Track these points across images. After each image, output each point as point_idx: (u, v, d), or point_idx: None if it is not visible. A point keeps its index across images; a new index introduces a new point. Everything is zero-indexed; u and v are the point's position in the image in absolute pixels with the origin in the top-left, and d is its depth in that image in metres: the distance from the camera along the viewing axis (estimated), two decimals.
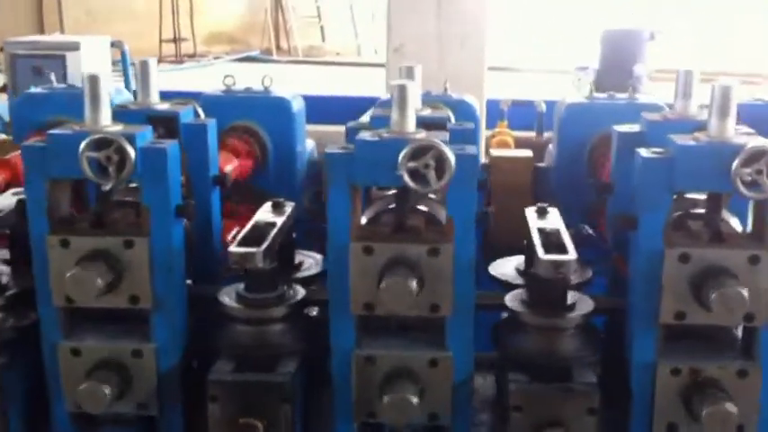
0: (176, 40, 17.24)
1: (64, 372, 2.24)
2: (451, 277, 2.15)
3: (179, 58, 17.30)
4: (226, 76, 3.12)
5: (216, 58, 17.42)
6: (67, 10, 16.21)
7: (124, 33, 9.72)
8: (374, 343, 2.24)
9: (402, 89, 2.15)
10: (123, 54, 7.22)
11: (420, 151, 2.05)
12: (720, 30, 14.05)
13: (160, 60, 14.22)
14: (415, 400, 2.12)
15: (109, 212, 2.26)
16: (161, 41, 16.66)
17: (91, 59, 7.01)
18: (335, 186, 2.14)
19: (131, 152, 2.06)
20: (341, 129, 2.84)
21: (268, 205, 2.47)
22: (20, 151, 2.23)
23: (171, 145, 2.17)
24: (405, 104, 2.15)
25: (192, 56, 17.68)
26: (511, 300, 2.32)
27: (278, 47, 18.35)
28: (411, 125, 2.16)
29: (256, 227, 2.29)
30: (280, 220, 2.36)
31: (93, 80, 2.16)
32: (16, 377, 2.32)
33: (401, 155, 2.05)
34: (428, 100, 2.98)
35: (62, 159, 2.13)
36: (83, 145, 2.08)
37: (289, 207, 2.47)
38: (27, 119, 3.10)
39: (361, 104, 4.39)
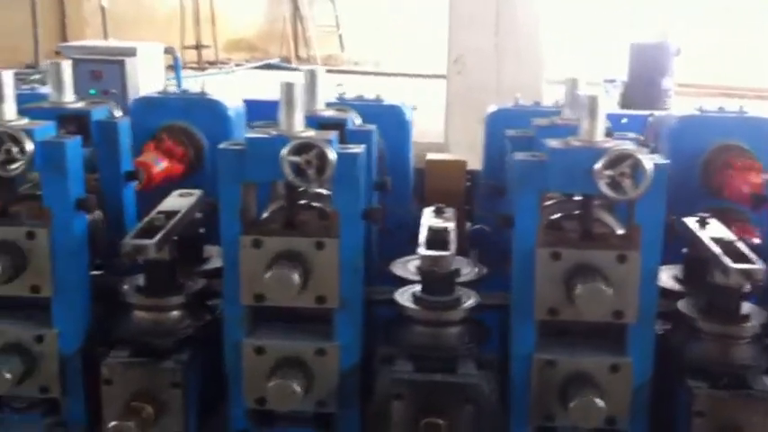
0: (198, 47, 17.46)
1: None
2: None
3: (201, 65, 17.54)
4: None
5: (237, 65, 17.63)
6: (90, 17, 16.49)
7: (146, 40, 9.89)
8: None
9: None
10: (176, 60, 7.27)
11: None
12: (740, 44, 13.92)
13: (183, 67, 14.36)
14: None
15: None
16: (183, 48, 16.78)
17: (146, 65, 7.11)
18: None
19: (332, 157, 2.10)
20: None
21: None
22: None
23: None
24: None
25: (213, 63, 17.90)
26: None
27: (297, 55, 18.49)
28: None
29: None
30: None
31: (289, 87, 2.20)
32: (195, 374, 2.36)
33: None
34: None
35: (260, 163, 2.17)
36: (285, 149, 2.11)
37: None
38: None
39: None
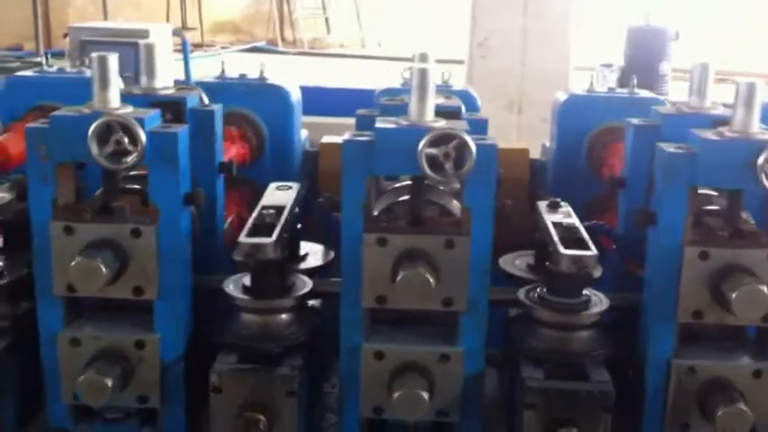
0: (184, 29, 17.08)
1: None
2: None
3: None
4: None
5: (223, 48, 17.26)
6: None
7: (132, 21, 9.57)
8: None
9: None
10: (184, 43, 6.97)
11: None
12: (734, 29, 13.90)
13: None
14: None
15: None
16: None
17: (158, 47, 6.79)
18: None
19: (473, 149, 1.92)
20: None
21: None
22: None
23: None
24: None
25: (199, 46, 17.51)
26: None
27: (282, 38, 18.17)
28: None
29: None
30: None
31: (423, 73, 2.00)
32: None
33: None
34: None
35: (391, 155, 1.99)
36: (423, 142, 1.93)
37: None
38: None
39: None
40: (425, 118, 2.03)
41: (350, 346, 2.11)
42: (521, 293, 2.22)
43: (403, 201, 2.19)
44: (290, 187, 2.39)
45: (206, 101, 2.44)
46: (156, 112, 2.07)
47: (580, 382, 2.08)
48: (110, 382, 2.02)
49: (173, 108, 2.24)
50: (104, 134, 1.95)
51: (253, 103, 2.96)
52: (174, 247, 2.07)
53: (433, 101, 2.04)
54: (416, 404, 2.02)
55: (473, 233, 2.04)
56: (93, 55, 2.05)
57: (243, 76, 3.03)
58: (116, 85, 2.05)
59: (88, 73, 2.81)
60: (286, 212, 2.21)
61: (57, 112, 2.05)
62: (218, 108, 2.41)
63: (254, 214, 2.19)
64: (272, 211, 2.19)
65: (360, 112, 2.47)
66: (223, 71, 3.01)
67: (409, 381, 2.05)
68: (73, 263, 1.96)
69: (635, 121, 2.38)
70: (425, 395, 2.02)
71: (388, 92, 2.90)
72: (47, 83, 2.94)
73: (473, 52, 6.41)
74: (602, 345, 2.14)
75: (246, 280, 2.19)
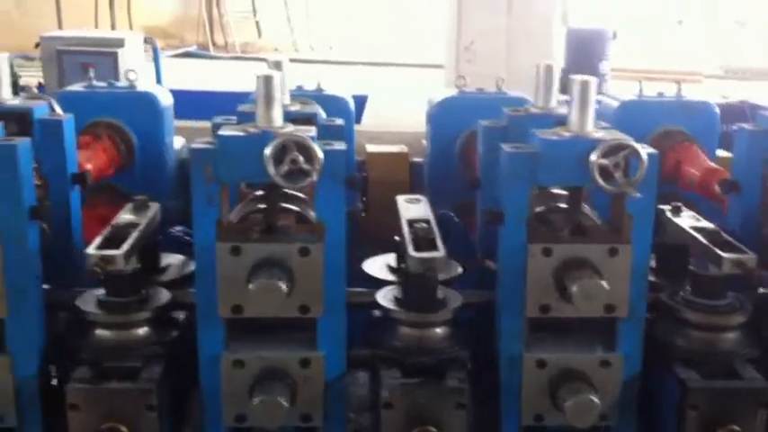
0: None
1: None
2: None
3: None
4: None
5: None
6: None
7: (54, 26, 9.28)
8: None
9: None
10: (155, 50, 6.70)
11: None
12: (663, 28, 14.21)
13: None
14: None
15: None
16: None
17: (131, 56, 6.49)
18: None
19: (644, 158, 1.93)
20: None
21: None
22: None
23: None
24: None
25: None
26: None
27: (213, 43, 17.87)
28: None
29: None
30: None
31: (584, 86, 2.02)
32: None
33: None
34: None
35: (556, 166, 2.01)
36: (596, 153, 1.94)
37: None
38: None
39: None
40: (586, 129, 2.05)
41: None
42: None
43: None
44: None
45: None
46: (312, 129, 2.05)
47: (736, 380, 2.13)
48: (285, 402, 1.98)
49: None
50: (280, 154, 1.90)
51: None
52: (335, 263, 2.03)
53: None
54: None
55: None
56: (258, 74, 1.99)
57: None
58: (279, 103, 2.00)
59: (140, 88, 2.81)
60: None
61: (223, 133, 1.97)
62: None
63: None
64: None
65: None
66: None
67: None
68: (253, 283, 1.92)
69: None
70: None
71: (449, 101, 3.02)
72: (101, 99, 2.81)
73: (459, 56, 6.36)
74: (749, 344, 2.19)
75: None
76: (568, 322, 2.16)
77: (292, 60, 2.91)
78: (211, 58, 16.52)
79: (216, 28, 18.02)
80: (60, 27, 11.06)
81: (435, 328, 2.17)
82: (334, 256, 2.03)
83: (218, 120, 2.45)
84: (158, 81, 6.67)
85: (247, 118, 2.19)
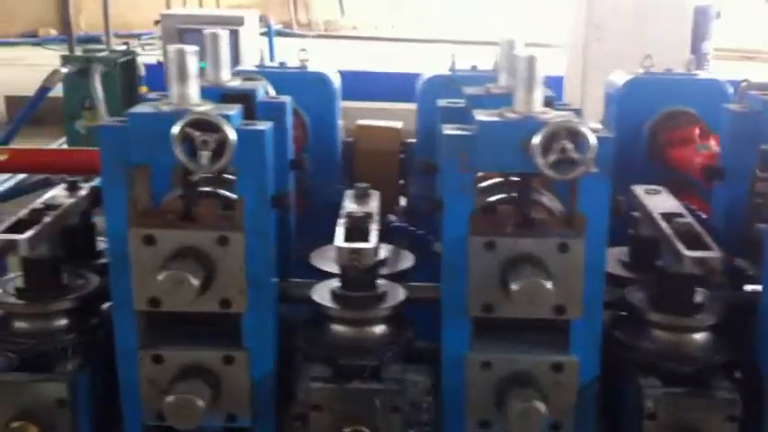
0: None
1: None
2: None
3: None
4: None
5: None
6: None
7: (148, 4, 9.00)
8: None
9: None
10: (269, 27, 6.57)
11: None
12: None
13: None
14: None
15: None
16: None
17: (249, 34, 6.38)
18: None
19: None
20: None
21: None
22: None
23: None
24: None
25: None
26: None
27: (297, 20, 17.56)
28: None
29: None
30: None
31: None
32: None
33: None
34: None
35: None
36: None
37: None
38: None
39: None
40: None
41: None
42: None
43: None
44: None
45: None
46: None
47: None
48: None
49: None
50: (548, 142, 1.74)
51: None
52: (598, 261, 1.87)
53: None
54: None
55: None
56: (521, 56, 1.83)
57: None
58: (540, 86, 1.83)
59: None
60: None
61: (482, 118, 1.82)
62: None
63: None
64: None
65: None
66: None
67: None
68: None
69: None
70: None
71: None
72: (274, 79, 2.50)
73: (589, 34, 6.13)
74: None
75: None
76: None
77: (372, 39, 2.73)
78: (296, 36, 16.12)
79: (299, 6, 17.59)
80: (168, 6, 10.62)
81: (695, 334, 1.96)
82: (596, 254, 1.85)
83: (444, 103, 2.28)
84: (271, 59, 6.51)
85: (477, 102, 2.06)
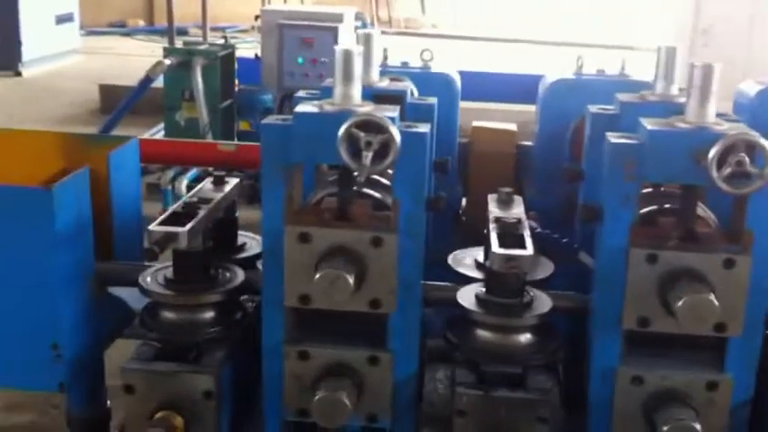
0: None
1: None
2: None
3: None
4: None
5: None
6: None
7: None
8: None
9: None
10: (365, 25, 6.65)
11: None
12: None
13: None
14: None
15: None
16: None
17: (347, 31, 6.24)
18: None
19: None
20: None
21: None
22: None
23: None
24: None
25: None
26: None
27: (377, 17, 17.56)
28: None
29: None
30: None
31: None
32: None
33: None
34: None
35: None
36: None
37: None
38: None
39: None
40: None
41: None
42: None
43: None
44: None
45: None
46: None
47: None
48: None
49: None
50: (725, 154, 1.69)
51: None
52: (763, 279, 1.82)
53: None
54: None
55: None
56: (696, 65, 1.76)
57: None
58: (715, 97, 1.78)
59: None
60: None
61: (652, 128, 1.76)
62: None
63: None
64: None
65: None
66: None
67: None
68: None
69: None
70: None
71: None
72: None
73: (696, 39, 6.07)
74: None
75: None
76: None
77: (451, 37, 2.69)
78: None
79: (381, 3, 17.53)
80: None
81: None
82: (761, 271, 1.79)
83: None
84: None
85: (632, 109, 2.02)
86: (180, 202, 2.03)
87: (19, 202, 1.87)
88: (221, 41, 6.47)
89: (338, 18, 6.22)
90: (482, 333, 1.95)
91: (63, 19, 10.67)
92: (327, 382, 1.89)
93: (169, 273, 2.02)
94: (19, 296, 1.92)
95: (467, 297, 1.99)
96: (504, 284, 1.93)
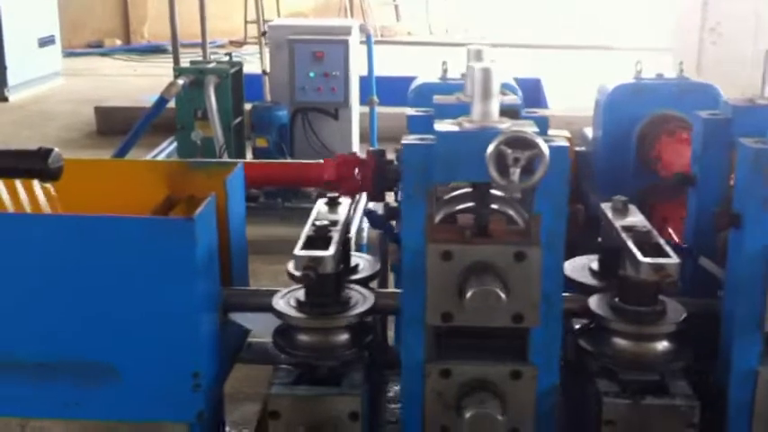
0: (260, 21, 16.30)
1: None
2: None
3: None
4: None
5: None
6: None
7: (210, 15, 9.14)
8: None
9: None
10: (369, 38, 6.59)
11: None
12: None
13: (244, 42, 13.41)
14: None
15: None
16: (246, 23, 15.70)
17: (353, 44, 6.24)
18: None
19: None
20: None
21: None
22: None
23: None
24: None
25: None
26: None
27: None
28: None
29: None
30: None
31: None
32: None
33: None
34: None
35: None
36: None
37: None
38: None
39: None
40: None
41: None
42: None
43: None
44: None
45: None
46: None
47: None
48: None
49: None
50: None
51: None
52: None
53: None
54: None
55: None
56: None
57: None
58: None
59: None
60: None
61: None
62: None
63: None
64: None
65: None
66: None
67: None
68: None
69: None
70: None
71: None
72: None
73: (704, 38, 6.07)
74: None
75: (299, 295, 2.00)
76: None
77: (426, 44, 2.68)
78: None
79: (357, 13, 17.54)
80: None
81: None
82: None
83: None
84: (369, 67, 6.47)
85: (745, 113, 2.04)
86: (310, 226, 2.01)
87: (162, 234, 1.85)
88: (226, 58, 6.43)
89: (347, 31, 6.21)
90: (620, 341, 1.96)
91: (45, 41, 10.52)
92: (473, 399, 1.88)
93: (299, 295, 2.00)
94: (162, 327, 1.89)
95: (600, 307, 2.00)
96: (641, 292, 1.94)
